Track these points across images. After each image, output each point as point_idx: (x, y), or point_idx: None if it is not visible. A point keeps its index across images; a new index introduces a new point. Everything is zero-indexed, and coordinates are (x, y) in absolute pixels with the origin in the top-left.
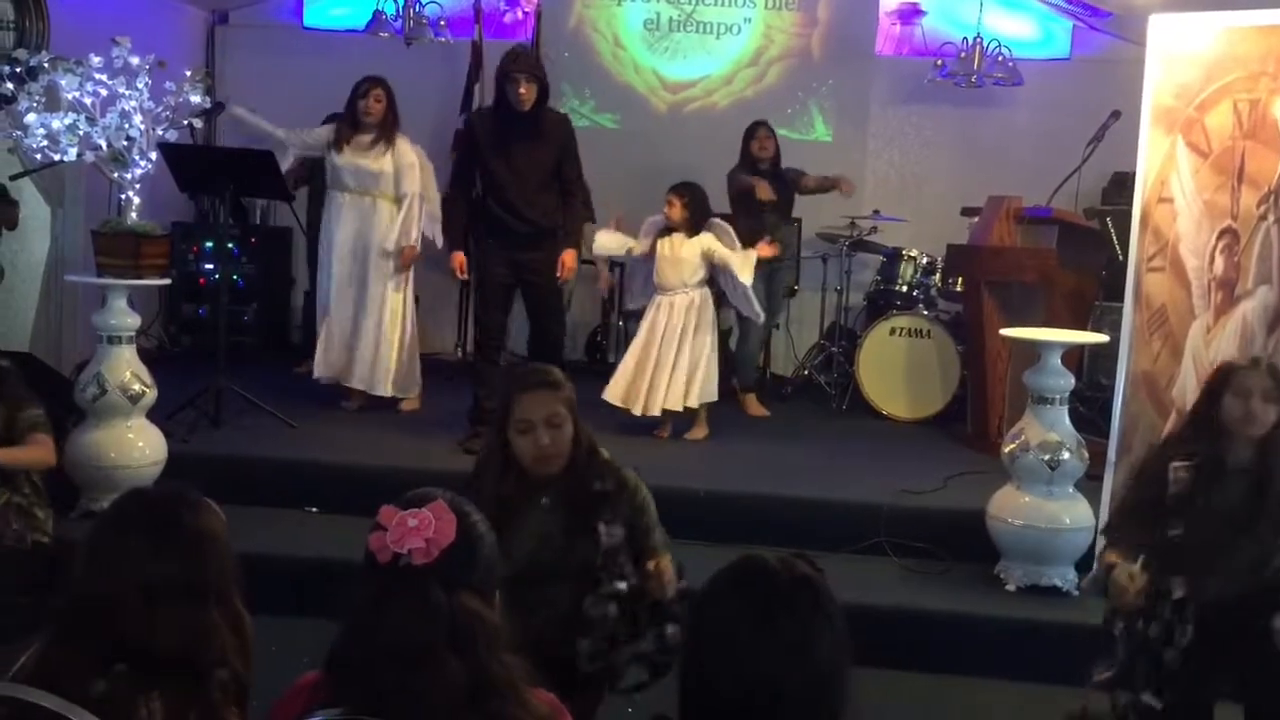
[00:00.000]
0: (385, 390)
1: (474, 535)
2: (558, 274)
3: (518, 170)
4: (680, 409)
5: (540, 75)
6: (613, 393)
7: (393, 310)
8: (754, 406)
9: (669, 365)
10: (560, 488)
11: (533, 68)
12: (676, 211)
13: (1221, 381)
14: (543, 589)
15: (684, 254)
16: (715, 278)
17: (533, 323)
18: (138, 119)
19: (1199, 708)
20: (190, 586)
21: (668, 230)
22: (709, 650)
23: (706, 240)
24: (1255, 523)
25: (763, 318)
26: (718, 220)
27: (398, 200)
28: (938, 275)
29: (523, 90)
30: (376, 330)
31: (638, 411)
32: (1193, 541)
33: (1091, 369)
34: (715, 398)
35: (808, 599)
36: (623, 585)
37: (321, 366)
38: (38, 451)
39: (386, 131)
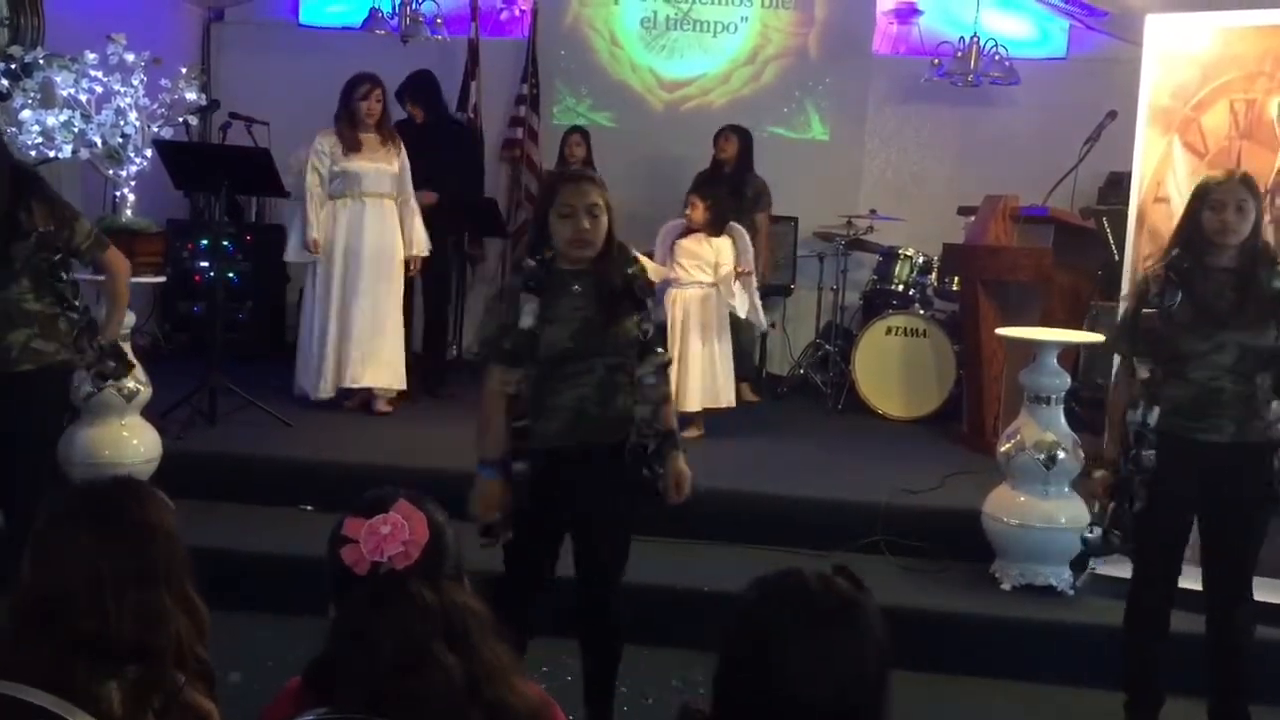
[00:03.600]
0: (403, 384)
1: (440, 526)
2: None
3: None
4: (698, 409)
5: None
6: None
7: (400, 310)
8: (746, 393)
9: (687, 361)
10: (593, 276)
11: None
12: (699, 214)
13: (1199, 197)
14: (580, 364)
15: (703, 251)
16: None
17: None
18: (133, 116)
19: (1176, 515)
20: (140, 574)
21: (688, 231)
22: (749, 668)
23: (724, 248)
24: (1236, 315)
25: (764, 326)
26: (737, 226)
27: (397, 202)
28: (934, 274)
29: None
30: (395, 332)
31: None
32: (1176, 333)
33: (1087, 368)
34: (732, 403)
35: (848, 618)
36: (670, 356)
37: (329, 384)
38: (124, 276)
39: (389, 132)
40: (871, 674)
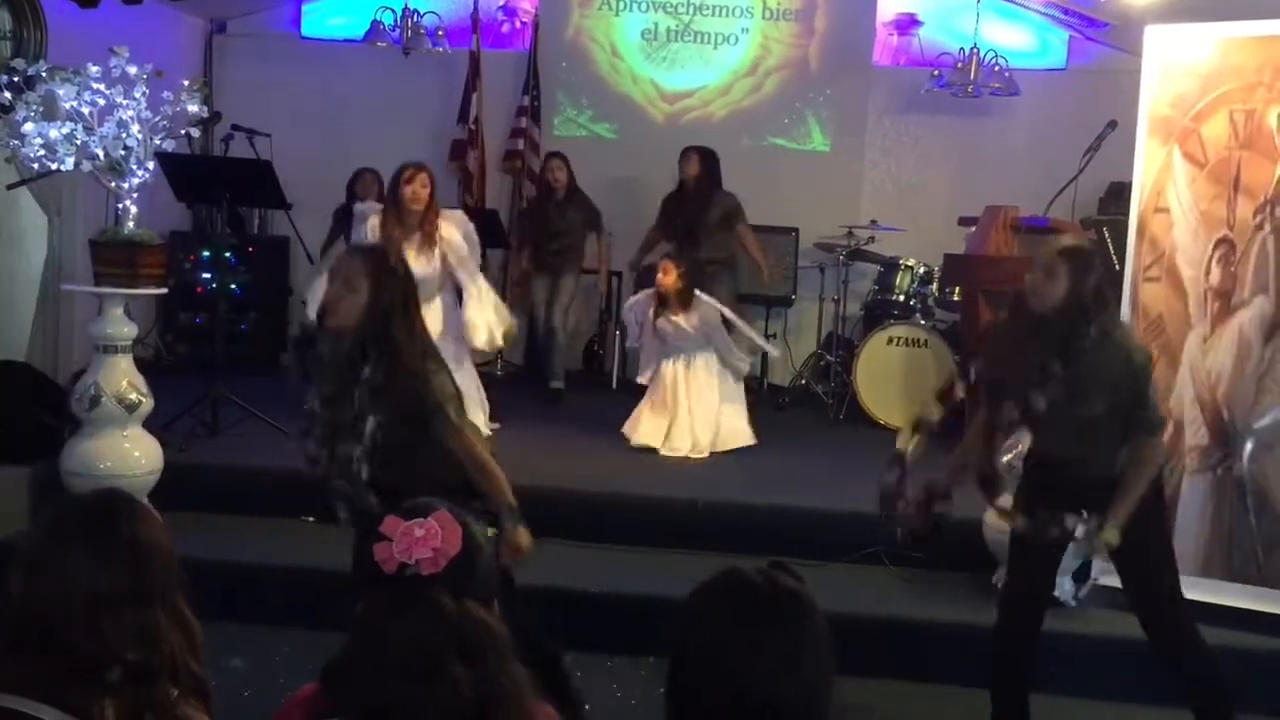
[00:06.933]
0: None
1: (475, 545)
2: None
3: None
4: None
5: None
6: (648, 438)
7: (478, 383)
8: None
9: (700, 415)
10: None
11: None
12: (672, 279)
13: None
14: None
15: (687, 328)
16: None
17: None
18: (135, 128)
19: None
20: (135, 592)
21: (659, 304)
22: (698, 666)
23: (709, 318)
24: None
25: (776, 353)
26: (704, 298)
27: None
28: (935, 285)
29: None
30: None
31: (697, 455)
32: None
33: None
34: (752, 440)
35: (794, 611)
36: (370, 425)
37: None
38: None
39: (429, 226)
40: (821, 660)
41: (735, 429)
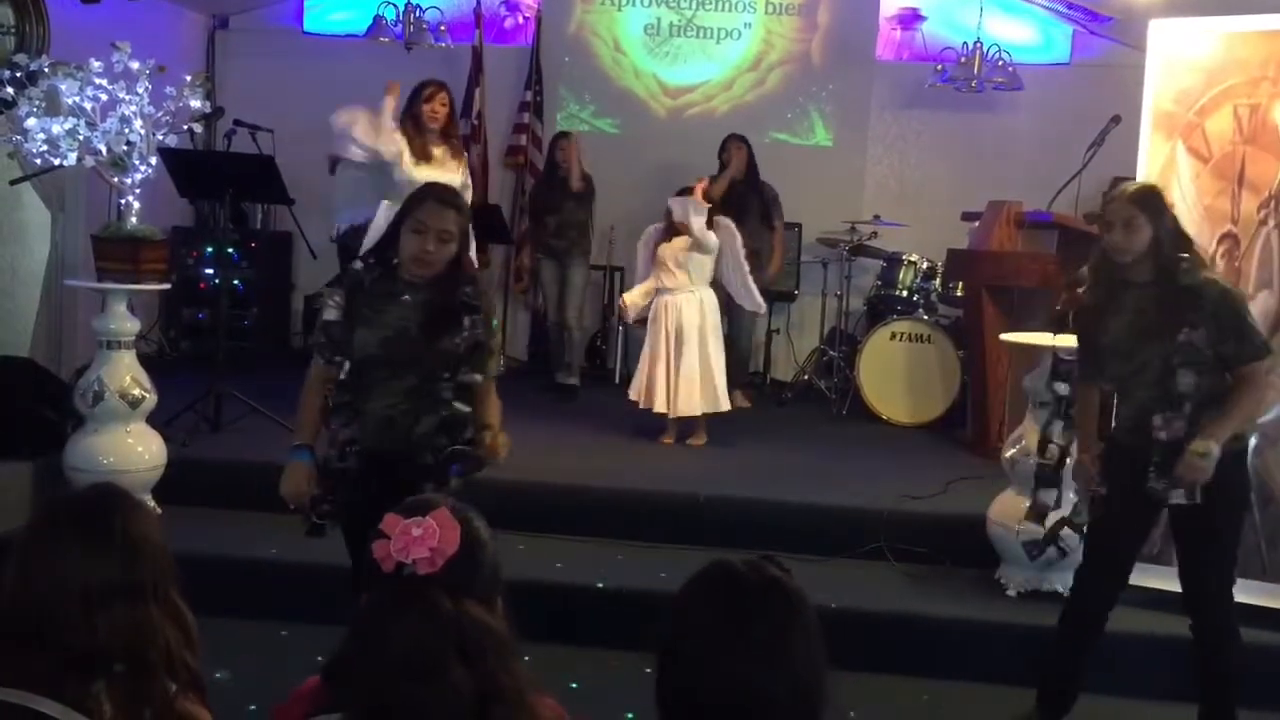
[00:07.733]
0: None
1: (477, 543)
2: None
3: None
4: (698, 414)
5: None
6: (643, 398)
7: None
8: (739, 400)
9: (683, 368)
10: (426, 290)
11: None
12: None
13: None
14: (390, 372)
15: (681, 241)
16: (717, 275)
17: None
18: (138, 124)
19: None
20: (128, 587)
21: (669, 234)
22: (685, 659)
23: (709, 240)
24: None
25: (764, 308)
26: (722, 219)
27: None
28: (938, 280)
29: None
30: None
31: (660, 409)
32: (1111, 346)
33: None
34: (727, 407)
35: (779, 601)
36: (478, 378)
37: None
38: None
39: (453, 142)
40: (809, 652)
41: (720, 394)
